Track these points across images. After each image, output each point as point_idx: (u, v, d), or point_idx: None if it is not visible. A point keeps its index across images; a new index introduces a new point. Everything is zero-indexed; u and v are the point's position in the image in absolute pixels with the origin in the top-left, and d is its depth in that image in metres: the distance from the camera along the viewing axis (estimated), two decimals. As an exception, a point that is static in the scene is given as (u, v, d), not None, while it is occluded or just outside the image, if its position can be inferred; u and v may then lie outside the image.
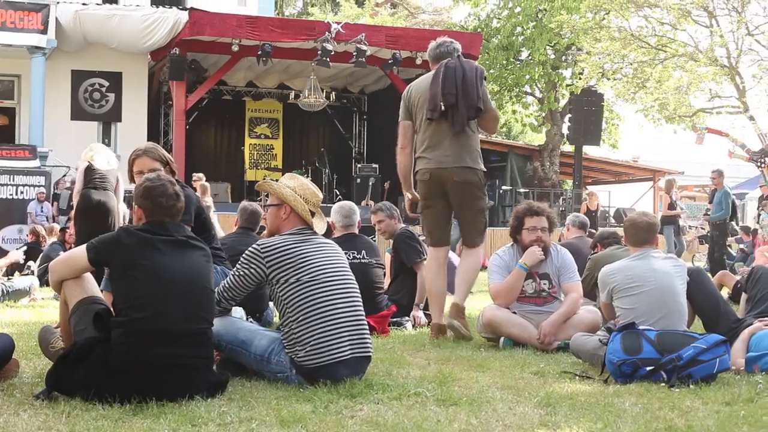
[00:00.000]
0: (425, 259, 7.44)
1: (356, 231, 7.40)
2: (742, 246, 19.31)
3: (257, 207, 7.75)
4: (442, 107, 6.31)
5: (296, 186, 4.77)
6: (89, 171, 9.05)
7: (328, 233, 5.09)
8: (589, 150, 27.40)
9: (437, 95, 6.32)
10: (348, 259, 6.51)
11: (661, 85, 22.48)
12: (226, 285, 4.65)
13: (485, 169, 6.60)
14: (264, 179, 21.02)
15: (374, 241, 7.62)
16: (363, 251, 7.11)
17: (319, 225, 4.80)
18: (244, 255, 4.63)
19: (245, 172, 23.55)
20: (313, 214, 4.75)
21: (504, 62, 25.95)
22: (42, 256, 11.23)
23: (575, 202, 22.51)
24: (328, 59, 18.08)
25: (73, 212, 9.81)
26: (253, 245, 4.64)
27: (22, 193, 16.60)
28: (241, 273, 4.59)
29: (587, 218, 9.50)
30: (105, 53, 19.81)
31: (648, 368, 4.63)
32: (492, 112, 6.54)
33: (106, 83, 20.45)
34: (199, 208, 5.79)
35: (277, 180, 4.96)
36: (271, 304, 6.76)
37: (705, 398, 4.22)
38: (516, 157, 25.79)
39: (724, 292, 7.87)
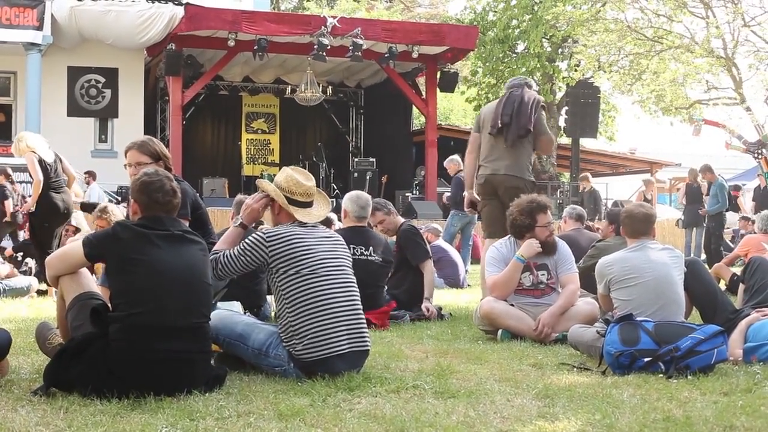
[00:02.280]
0: (430, 257, 7.57)
1: (367, 223, 7.32)
2: (743, 232, 19.31)
3: (253, 200, 7.72)
4: (500, 124, 7.48)
5: (282, 180, 4.76)
6: (42, 166, 9.06)
7: (326, 224, 5.09)
8: (585, 142, 27.39)
9: (498, 115, 7.52)
10: (353, 253, 6.55)
11: (657, 76, 22.46)
12: (225, 261, 4.62)
13: (533, 180, 7.66)
14: (261, 174, 21.03)
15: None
16: (371, 247, 7.00)
17: (315, 213, 4.78)
18: (248, 240, 4.61)
19: (242, 167, 23.49)
20: (306, 204, 4.74)
21: (500, 55, 25.92)
22: (39, 253, 11.19)
23: (572, 195, 22.51)
24: (324, 53, 18.04)
25: (24, 207, 9.71)
26: (258, 232, 4.64)
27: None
28: (243, 255, 4.57)
29: (583, 210, 9.49)
30: (101, 49, 19.76)
31: (646, 359, 4.64)
32: (546, 136, 7.68)
33: (103, 79, 20.41)
34: (195, 203, 5.77)
35: (274, 174, 4.97)
36: (269, 298, 6.74)
37: (703, 389, 4.22)
38: (513, 150, 25.75)
39: (721, 284, 7.89)
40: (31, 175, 9.23)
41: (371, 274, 6.75)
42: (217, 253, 4.68)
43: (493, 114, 7.58)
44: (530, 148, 7.63)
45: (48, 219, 9.21)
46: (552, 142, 7.87)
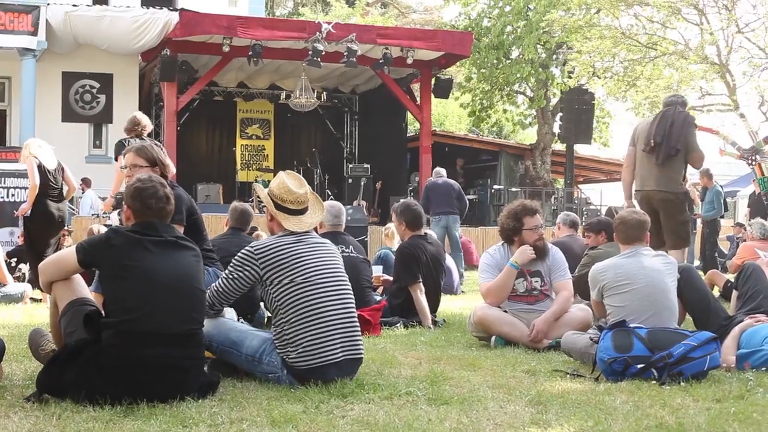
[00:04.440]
0: (419, 282, 7.31)
1: (342, 230, 7.52)
2: (739, 236, 19.28)
3: (248, 207, 7.73)
4: (652, 143, 8.10)
5: (274, 186, 4.73)
6: (41, 171, 9.05)
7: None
8: (580, 148, 27.40)
9: (651, 134, 8.15)
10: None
11: (651, 83, 22.48)
12: (219, 290, 4.62)
13: (686, 190, 8.33)
14: (255, 180, 20.99)
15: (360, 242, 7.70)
16: (350, 246, 7.29)
17: (307, 221, 4.75)
18: (236, 258, 4.60)
19: (237, 173, 23.47)
20: (298, 211, 4.72)
21: (494, 61, 25.94)
22: (33, 258, 11.15)
23: (567, 201, 22.52)
24: (319, 59, 18.03)
25: (22, 212, 9.59)
26: (246, 247, 4.62)
27: (13, 195, 16.49)
28: (235, 276, 4.57)
29: (577, 216, 9.52)
30: (95, 54, 19.74)
31: (639, 366, 4.65)
32: (697, 153, 8.19)
33: (97, 85, 20.39)
34: (190, 208, 5.77)
35: (269, 180, 4.95)
36: (262, 304, 6.73)
37: (696, 395, 4.24)
38: (507, 156, 25.79)
39: (715, 291, 7.89)
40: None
41: (357, 270, 6.83)
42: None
43: (647, 132, 8.19)
44: (682, 162, 8.14)
45: (42, 226, 9.18)
46: (701, 159, 8.36)
